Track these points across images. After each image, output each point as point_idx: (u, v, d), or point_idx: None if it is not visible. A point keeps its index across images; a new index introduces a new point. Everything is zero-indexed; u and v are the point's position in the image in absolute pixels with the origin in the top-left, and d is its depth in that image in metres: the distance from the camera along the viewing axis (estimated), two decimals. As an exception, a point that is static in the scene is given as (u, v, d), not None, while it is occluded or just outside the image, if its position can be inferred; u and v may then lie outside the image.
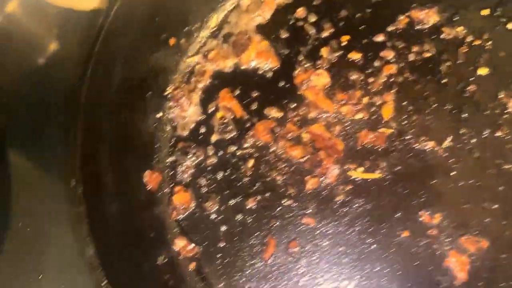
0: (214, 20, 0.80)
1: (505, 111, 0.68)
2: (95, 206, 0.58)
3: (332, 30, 0.77)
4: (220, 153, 0.73)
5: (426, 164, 0.68)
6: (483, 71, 0.71)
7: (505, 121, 0.68)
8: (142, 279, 0.60)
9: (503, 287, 0.61)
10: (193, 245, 0.68)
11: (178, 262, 0.67)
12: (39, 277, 0.78)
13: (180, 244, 0.68)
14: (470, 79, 0.71)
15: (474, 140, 0.68)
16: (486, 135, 0.67)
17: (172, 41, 0.75)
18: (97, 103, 0.64)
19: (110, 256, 0.56)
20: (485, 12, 0.73)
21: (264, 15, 0.80)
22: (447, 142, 0.68)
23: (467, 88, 0.70)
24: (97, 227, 0.56)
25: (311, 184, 0.69)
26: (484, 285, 0.62)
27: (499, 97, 0.69)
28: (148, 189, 0.70)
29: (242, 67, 0.77)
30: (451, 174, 0.66)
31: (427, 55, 0.73)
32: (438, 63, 0.72)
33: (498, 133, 0.67)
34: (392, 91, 0.72)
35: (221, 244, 0.68)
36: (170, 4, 0.72)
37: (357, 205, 0.67)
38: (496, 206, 0.64)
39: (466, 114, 0.69)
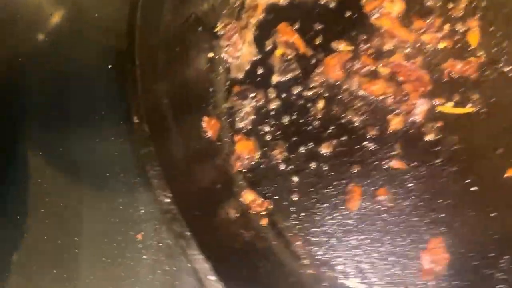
0: None
1: None
2: (162, 147, 0.48)
3: (399, -48, 0.67)
4: (284, 95, 0.63)
5: (526, 94, 0.59)
6: None
7: None
8: (219, 230, 0.51)
9: None
10: (263, 199, 0.59)
11: (250, 217, 0.57)
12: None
13: (248, 198, 0.59)
14: None
15: None
16: None
17: (219, -32, 0.65)
18: (150, 41, 0.54)
19: (185, 204, 0.46)
20: None
21: None
22: (547, 69, 0.59)
23: (562, 9, 0.62)
24: (167, 171, 0.46)
25: (395, 123, 0.60)
26: None
27: None
28: (208, 136, 0.60)
29: (300, -2, 0.67)
30: (556, 103, 0.58)
31: (513, -26, 0.64)
32: (526, -17, 0.63)
33: None
34: (476, 16, 0.63)
35: (295, 197, 0.59)
36: None
37: (450, 143, 0.58)
38: None
39: None
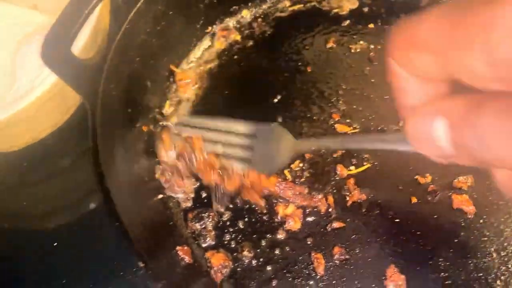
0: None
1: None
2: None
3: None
4: (231, 206, 0.76)
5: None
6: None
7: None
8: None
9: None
10: (250, 296, 0.68)
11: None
12: None
13: (239, 300, 0.67)
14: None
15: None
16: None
17: (144, 128, 0.79)
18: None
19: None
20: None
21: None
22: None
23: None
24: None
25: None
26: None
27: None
28: (186, 262, 0.68)
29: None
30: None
31: (350, 69, 0.89)
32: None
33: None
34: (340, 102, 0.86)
35: (274, 283, 0.70)
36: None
37: (366, 194, 0.76)
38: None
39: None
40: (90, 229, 0.88)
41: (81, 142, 1.01)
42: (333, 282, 0.69)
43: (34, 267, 0.82)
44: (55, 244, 0.84)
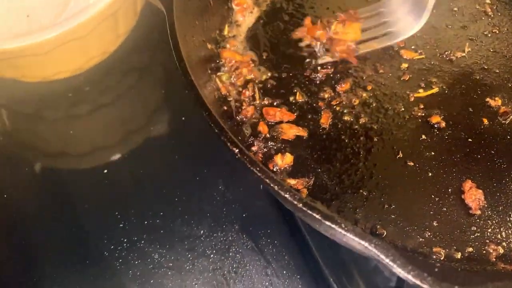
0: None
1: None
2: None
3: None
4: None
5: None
6: None
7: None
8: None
9: None
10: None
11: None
12: None
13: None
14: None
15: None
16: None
17: (209, 46, 0.77)
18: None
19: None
20: None
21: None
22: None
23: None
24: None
25: (392, 114, 0.75)
26: None
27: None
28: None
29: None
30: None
31: None
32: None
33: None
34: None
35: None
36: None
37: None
38: None
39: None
40: (138, 163, 0.87)
41: (125, 78, 0.99)
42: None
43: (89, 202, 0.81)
44: (106, 181, 0.84)
